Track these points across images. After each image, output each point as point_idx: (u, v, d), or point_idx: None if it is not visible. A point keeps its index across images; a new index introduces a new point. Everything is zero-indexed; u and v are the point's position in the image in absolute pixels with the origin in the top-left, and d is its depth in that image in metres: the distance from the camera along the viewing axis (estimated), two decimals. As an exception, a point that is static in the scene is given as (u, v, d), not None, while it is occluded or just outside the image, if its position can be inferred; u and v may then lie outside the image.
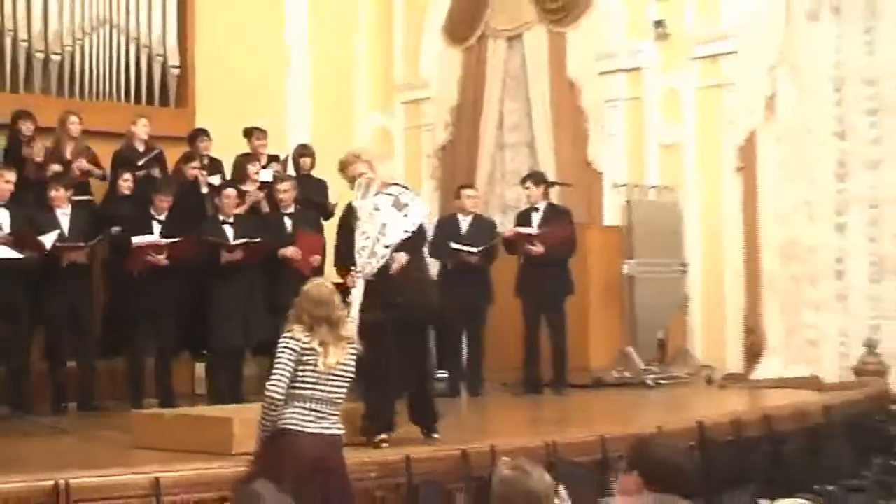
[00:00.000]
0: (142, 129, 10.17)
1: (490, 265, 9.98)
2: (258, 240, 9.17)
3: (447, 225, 10.13)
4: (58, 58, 10.88)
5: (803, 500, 5.07)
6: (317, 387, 5.11)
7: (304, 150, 10.81)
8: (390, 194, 6.71)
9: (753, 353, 11.01)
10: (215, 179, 10.10)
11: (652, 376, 10.52)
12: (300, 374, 5.10)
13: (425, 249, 7.37)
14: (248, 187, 9.92)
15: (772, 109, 11.06)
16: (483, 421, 9.14)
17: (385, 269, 6.57)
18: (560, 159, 12.20)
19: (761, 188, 11.09)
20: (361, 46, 13.62)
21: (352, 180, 6.84)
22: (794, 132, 11.01)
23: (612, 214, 11.68)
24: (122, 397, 8.97)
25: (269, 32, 12.66)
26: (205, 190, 10.05)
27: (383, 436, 6.56)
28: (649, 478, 4.04)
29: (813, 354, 10.82)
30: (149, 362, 9.15)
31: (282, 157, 10.80)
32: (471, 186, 10.75)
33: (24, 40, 10.72)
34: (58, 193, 8.94)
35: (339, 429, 5.25)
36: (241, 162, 10.25)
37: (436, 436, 6.77)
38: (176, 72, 11.58)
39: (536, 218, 10.07)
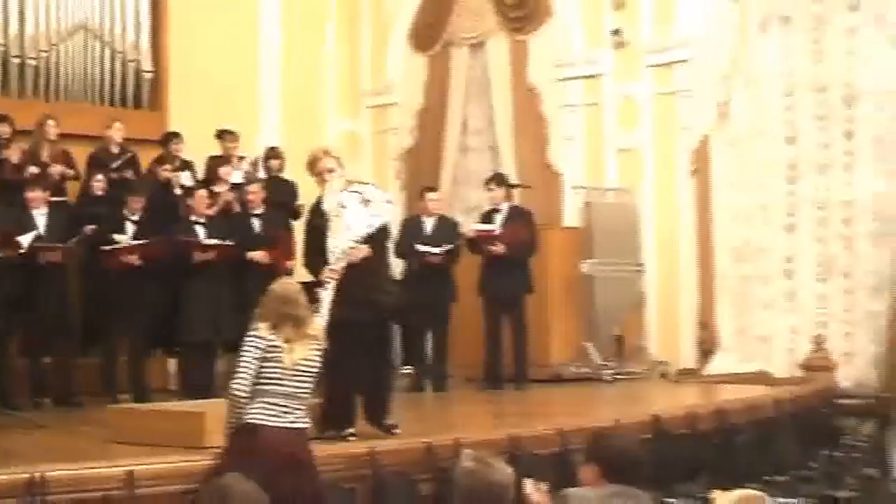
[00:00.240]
0: (116, 133, 10.28)
1: (453, 265, 9.98)
2: (230, 243, 9.26)
3: (411, 226, 10.15)
4: (34, 62, 10.92)
5: (753, 491, 5.10)
6: (282, 382, 5.09)
7: (273, 153, 10.91)
8: (356, 192, 6.67)
9: (706, 349, 11.18)
10: (188, 180, 10.21)
11: (609, 371, 10.61)
12: (265, 370, 5.08)
13: (390, 247, 7.33)
14: (220, 188, 10.05)
15: (725, 115, 11.23)
16: (447, 415, 9.15)
17: (350, 266, 6.49)
18: (521, 162, 12.35)
19: (714, 191, 11.26)
20: (330, 53, 13.70)
21: (319, 176, 6.75)
22: (746, 137, 11.17)
23: (571, 216, 11.78)
24: (99, 393, 8.94)
25: (240, 38, 12.74)
26: (178, 191, 10.17)
27: (351, 430, 6.51)
28: (607, 469, 4.16)
29: (763, 351, 10.98)
30: (124, 359, 9.20)
31: (250, 158, 10.85)
32: (434, 189, 10.70)
33: (1, 45, 10.77)
34: (35, 195, 8.97)
35: (304, 422, 5.22)
36: (213, 164, 10.39)
37: (396, 431, 6.68)
38: (149, 76, 11.60)
39: (499, 219, 10.12)
